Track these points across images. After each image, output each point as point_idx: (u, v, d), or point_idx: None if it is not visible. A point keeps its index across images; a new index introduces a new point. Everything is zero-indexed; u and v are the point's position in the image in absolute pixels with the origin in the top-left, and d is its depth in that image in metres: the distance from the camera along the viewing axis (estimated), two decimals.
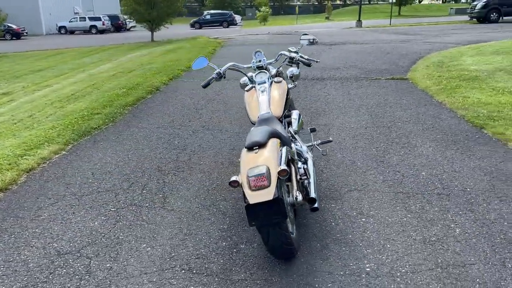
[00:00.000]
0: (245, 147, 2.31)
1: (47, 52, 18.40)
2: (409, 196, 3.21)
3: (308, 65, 3.28)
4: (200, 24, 39.32)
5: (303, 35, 3.45)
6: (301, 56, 3.29)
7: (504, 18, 21.80)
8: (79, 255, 2.60)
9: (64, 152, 4.51)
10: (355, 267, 2.37)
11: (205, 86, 3.35)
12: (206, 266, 2.43)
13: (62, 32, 37.51)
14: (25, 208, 3.27)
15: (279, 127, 2.67)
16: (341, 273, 2.33)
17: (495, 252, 2.46)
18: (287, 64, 3.41)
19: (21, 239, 2.81)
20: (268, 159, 2.22)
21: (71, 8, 41.61)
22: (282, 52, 3.40)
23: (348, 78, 8.12)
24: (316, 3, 66.59)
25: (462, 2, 61.59)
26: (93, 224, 2.98)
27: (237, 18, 42.00)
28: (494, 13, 21.57)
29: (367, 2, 64.37)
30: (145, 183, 3.62)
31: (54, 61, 14.56)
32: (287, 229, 2.22)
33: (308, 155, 3.05)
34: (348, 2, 67.74)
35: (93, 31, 35.75)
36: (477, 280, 2.22)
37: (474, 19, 23.28)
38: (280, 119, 2.95)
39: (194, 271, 2.38)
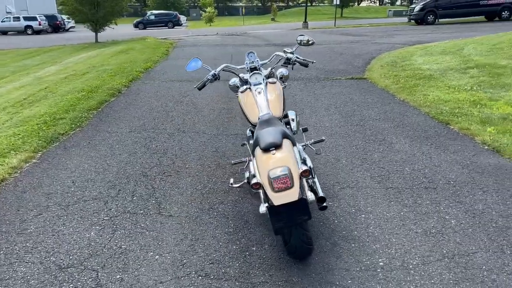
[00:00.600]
0: (261, 149, 2.29)
1: None
2: (399, 191, 3.33)
3: (306, 65, 3.31)
4: (144, 24, 38.46)
5: (299, 35, 3.48)
6: (297, 57, 3.31)
7: (440, 20, 23.15)
8: (83, 268, 2.47)
9: (34, 160, 4.25)
10: (369, 263, 2.43)
11: (200, 88, 3.31)
12: (223, 271, 2.39)
13: None
14: (7, 221, 3.05)
15: (284, 128, 2.68)
16: (357, 269, 2.38)
17: (491, 240, 2.62)
18: (282, 65, 3.43)
19: (13, 255, 2.63)
20: (288, 160, 2.23)
21: (3, 7, 39.08)
22: (277, 53, 3.42)
23: (310, 78, 8.27)
24: (260, 5, 67.22)
25: (397, 5, 64.78)
26: (89, 234, 2.84)
27: (182, 18, 41.49)
28: (431, 16, 22.88)
29: (310, 4, 65.89)
30: (133, 190, 3.50)
31: None
32: (308, 229, 2.24)
33: (305, 155, 3.09)
34: (290, 4, 68.96)
35: (29, 31, 33.78)
36: (483, 267, 2.36)
37: (413, 21, 24.54)
38: (280, 120, 2.96)
39: (212, 277, 2.34)
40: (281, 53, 3.34)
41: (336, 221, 2.90)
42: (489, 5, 22.50)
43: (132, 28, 36.37)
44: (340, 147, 4.36)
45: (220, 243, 2.67)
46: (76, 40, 23.36)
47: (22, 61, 14.17)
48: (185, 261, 2.50)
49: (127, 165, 4.04)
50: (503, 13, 22.59)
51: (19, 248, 2.70)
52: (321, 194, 2.60)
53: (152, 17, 39.17)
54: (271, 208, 2.14)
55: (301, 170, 2.17)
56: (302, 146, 3.34)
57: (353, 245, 2.62)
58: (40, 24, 34.15)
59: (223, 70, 3.34)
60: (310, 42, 3.34)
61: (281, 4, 64.27)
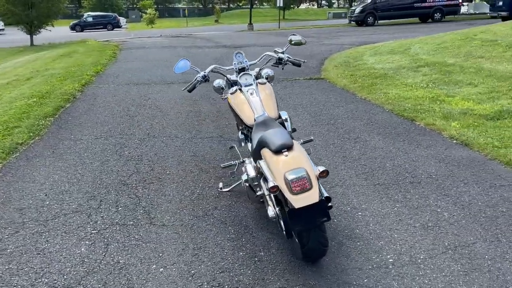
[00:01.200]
0: (272, 150, 2.23)
1: None
2: (387, 187, 3.40)
3: (299, 65, 3.29)
4: (82, 26, 36.95)
5: (291, 35, 3.44)
6: (288, 57, 3.28)
7: (379, 21, 24.18)
8: (82, 287, 2.28)
9: None
10: (379, 260, 2.45)
11: (190, 91, 3.19)
12: (236, 279, 2.31)
13: None
14: None
15: (285, 129, 2.65)
16: (369, 267, 2.39)
17: (485, 230, 2.73)
18: (273, 65, 3.38)
19: None
20: (302, 161, 2.19)
21: None
22: (267, 53, 3.37)
23: None
24: (201, 7, 66.75)
25: (335, 7, 66.94)
26: (79, 250, 2.64)
27: (122, 20, 40.25)
28: (371, 17, 23.84)
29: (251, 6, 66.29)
30: (116, 200, 3.31)
31: None
32: (325, 230, 2.21)
33: None
34: (232, 5, 69.08)
35: None
36: (486, 256, 2.45)
37: (353, 23, 25.44)
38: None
39: (226, 286, 2.25)
40: (272, 53, 3.30)
41: (335, 220, 2.90)
42: (423, 7, 23.82)
43: (68, 31, 34.74)
44: (318, 146, 4.38)
45: (225, 251, 2.57)
46: (8, 43, 21.94)
47: None
48: (193, 271, 2.38)
49: (102, 174, 3.81)
50: (435, 15, 23.99)
51: (2, 272, 2.44)
52: (326, 194, 2.59)
53: (90, 19, 37.65)
54: (290, 211, 2.09)
55: (320, 171, 2.13)
56: None
57: (358, 243, 2.62)
58: None
59: (212, 71, 3.23)
60: (303, 42, 3.33)
61: (222, 5, 64.16)
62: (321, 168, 2.15)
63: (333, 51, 12.36)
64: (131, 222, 2.95)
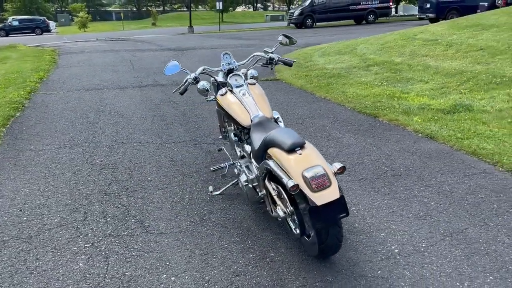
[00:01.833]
0: (285, 150, 2.23)
1: None
2: (372, 181, 3.52)
3: (290, 65, 3.30)
4: (7, 31, 34.63)
5: (282, 35, 3.45)
6: (279, 57, 3.29)
7: (317, 24, 24.93)
8: None
9: None
10: (385, 251, 2.53)
11: (182, 93, 3.11)
12: (254, 281, 2.29)
13: None
14: None
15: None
16: (378, 259, 2.46)
17: (472, 215, 2.92)
18: (262, 65, 3.38)
19: None
20: (317, 158, 2.21)
21: None
22: (257, 53, 3.35)
23: None
24: (135, 10, 65.02)
25: (270, 10, 68.04)
26: (77, 266, 2.48)
27: (51, 24, 38.25)
28: (309, 20, 24.52)
29: (186, 9, 65.66)
30: (102, 210, 3.15)
31: None
32: (341, 225, 2.25)
33: None
34: (167, 8, 67.98)
35: None
36: (480, 240, 2.61)
37: (292, 25, 26.01)
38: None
39: None
40: (262, 54, 3.30)
41: None
42: (357, 9, 24.89)
43: None
44: None
45: (234, 254, 2.54)
46: None
47: None
48: (207, 277, 2.33)
49: (78, 184, 3.61)
50: (369, 17, 25.15)
51: None
52: None
53: (16, 23, 35.37)
54: (312, 208, 2.10)
55: (338, 167, 2.16)
56: None
57: (361, 236, 2.69)
58: None
59: (201, 73, 3.17)
60: (293, 41, 3.35)
61: (157, 8, 62.90)
62: (339, 165, 2.18)
63: (280, 52, 12.52)
64: (125, 233, 2.82)
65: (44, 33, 34.87)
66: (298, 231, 2.41)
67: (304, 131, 4.90)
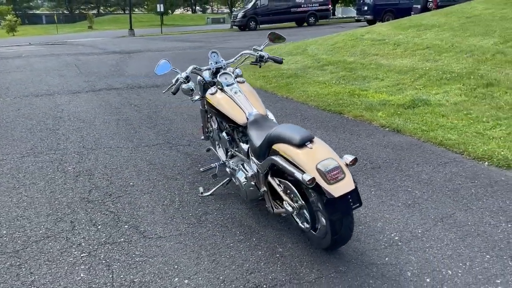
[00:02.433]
0: (295, 145, 2.26)
1: None
2: (354, 174, 3.64)
3: (280, 62, 3.32)
4: None
5: (270, 32, 3.45)
6: (269, 55, 3.30)
7: (261, 26, 25.22)
8: None
9: None
10: (387, 239, 2.63)
11: (175, 93, 3.04)
12: (270, 277, 2.29)
13: None
14: None
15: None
16: (383, 247, 2.56)
17: (455, 201, 3.10)
18: (252, 63, 3.37)
19: None
20: (329, 151, 2.26)
21: None
22: (245, 51, 3.35)
23: None
24: (67, 12, 62.17)
25: (209, 13, 67.83)
26: (79, 277, 2.36)
27: None
28: (253, 22, 24.75)
29: (122, 12, 63.86)
30: (90, 218, 3.01)
31: None
32: (353, 216, 2.32)
33: None
34: (102, 11, 65.66)
35: None
36: (469, 223, 2.79)
37: (236, 27, 26.14)
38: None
39: (265, 286, 2.22)
40: (251, 51, 3.30)
41: None
42: (299, 12, 25.50)
43: None
44: None
45: (242, 252, 2.52)
46: None
47: None
48: (221, 277, 2.30)
49: (55, 193, 3.42)
50: (310, 19, 25.84)
51: None
52: None
53: None
54: (329, 200, 2.15)
55: (350, 160, 2.22)
56: None
57: (360, 227, 2.78)
58: None
59: (192, 72, 3.12)
60: (282, 39, 3.37)
61: (91, 11, 60.49)
62: (351, 157, 2.24)
63: (231, 54, 12.50)
64: (122, 239, 2.72)
65: None
66: (306, 225, 2.44)
67: None
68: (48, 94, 7.43)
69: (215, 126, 3.67)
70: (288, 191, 2.49)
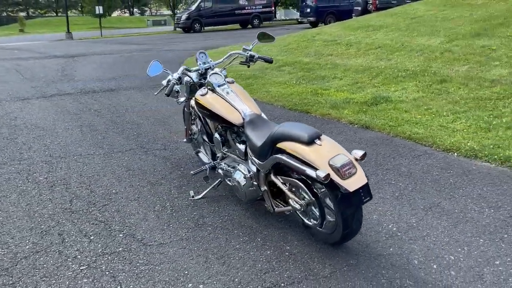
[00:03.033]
0: (305, 142, 2.28)
1: None
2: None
3: (270, 61, 3.32)
4: None
5: (260, 32, 3.43)
6: (258, 55, 3.29)
7: (205, 28, 25.08)
8: None
9: None
10: (386, 231, 2.73)
11: (168, 94, 2.95)
12: (286, 275, 2.30)
13: None
14: None
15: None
16: (384, 238, 2.65)
17: (438, 191, 3.27)
18: (241, 63, 3.34)
19: None
20: (338, 147, 2.31)
21: None
22: (233, 51, 3.31)
23: (140, 86, 7.99)
24: None
25: (148, 15, 66.40)
26: None
27: None
28: (197, 24, 24.56)
29: (55, 14, 60.87)
30: (79, 229, 2.86)
31: None
32: (362, 209, 2.38)
33: None
34: (32, 14, 62.14)
35: None
36: (456, 211, 2.95)
37: (180, 29, 25.81)
38: None
39: (282, 285, 2.22)
40: (240, 52, 3.27)
41: None
42: (243, 14, 25.65)
43: None
44: None
45: (251, 253, 2.51)
46: None
47: None
48: (236, 280, 2.27)
49: (32, 205, 3.22)
50: (254, 21, 26.07)
51: None
52: None
53: None
54: (344, 195, 2.19)
55: (360, 155, 2.28)
56: None
57: None
58: None
59: (182, 73, 3.05)
60: (272, 39, 3.37)
61: (20, 13, 56.96)
62: (360, 152, 2.30)
63: (182, 56, 12.42)
64: (120, 248, 2.60)
65: None
66: (314, 221, 2.47)
67: None
68: None
69: (198, 128, 3.62)
70: (293, 189, 2.51)
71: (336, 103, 5.90)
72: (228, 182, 3.07)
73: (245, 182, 2.77)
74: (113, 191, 3.42)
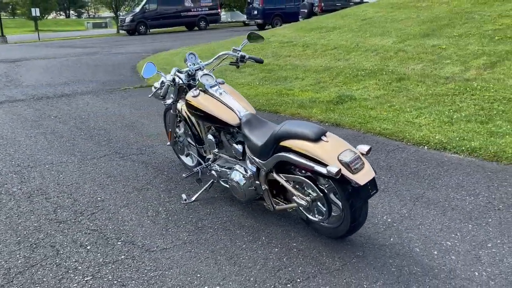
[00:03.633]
0: (312, 139, 2.34)
1: None
2: None
3: (261, 62, 3.32)
4: None
5: (250, 32, 3.41)
6: (249, 55, 3.29)
7: (151, 30, 24.59)
8: None
9: None
10: (382, 222, 2.84)
11: (164, 96, 2.88)
12: (299, 271, 2.33)
13: None
14: None
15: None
16: (382, 229, 2.76)
17: (419, 182, 3.45)
18: (231, 64, 3.32)
19: None
20: (344, 142, 2.39)
21: None
22: (225, 52, 3.29)
23: (96, 91, 7.72)
24: None
25: (86, 18, 63.97)
26: None
27: None
28: (142, 26, 24.02)
29: None
30: (73, 240, 2.74)
31: None
32: (368, 202, 2.47)
33: None
34: None
35: None
36: (440, 199, 3.13)
37: (124, 32, 25.13)
38: None
39: (298, 280, 2.26)
40: (230, 52, 3.26)
41: None
42: (189, 16, 25.41)
43: None
44: None
45: (259, 251, 2.53)
46: None
47: None
48: (252, 279, 2.28)
49: (13, 218, 3.04)
50: (200, 23, 25.91)
51: None
52: None
53: None
54: (353, 189, 2.26)
55: (366, 150, 2.37)
56: None
57: None
58: None
59: (175, 75, 3.00)
60: (261, 39, 3.38)
61: None
62: (366, 147, 2.38)
63: (134, 59, 12.13)
64: (123, 256, 2.53)
65: None
66: (319, 216, 2.53)
67: None
68: None
69: (183, 131, 3.58)
70: (297, 186, 2.55)
71: (303, 102, 6.02)
72: (223, 184, 3.06)
73: (244, 182, 2.77)
74: (98, 198, 3.30)
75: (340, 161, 2.25)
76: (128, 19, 24.03)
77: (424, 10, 9.29)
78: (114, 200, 3.26)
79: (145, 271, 2.36)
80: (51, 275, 2.36)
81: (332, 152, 2.28)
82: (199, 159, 3.41)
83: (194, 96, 2.98)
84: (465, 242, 2.55)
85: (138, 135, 4.90)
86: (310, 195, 2.48)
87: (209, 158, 3.22)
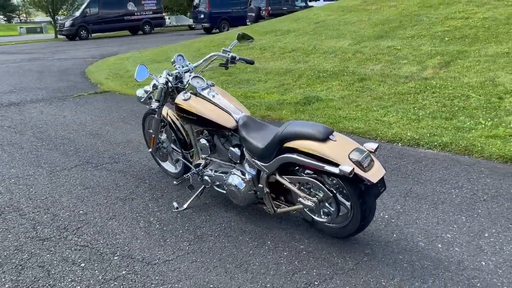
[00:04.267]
0: (320, 139, 2.31)
1: None
2: None
3: (252, 63, 3.23)
4: None
5: (239, 33, 3.31)
6: (239, 56, 3.20)
7: (93, 35, 23.66)
8: None
9: None
10: (381, 219, 2.87)
11: (159, 99, 2.73)
12: (315, 273, 2.29)
13: None
14: None
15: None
16: (383, 226, 2.79)
17: (404, 178, 3.54)
18: (220, 65, 3.22)
19: None
20: (352, 141, 2.38)
21: None
22: (215, 53, 3.18)
23: (47, 99, 7.28)
24: None
25: (17, 22, 60.42)
26: None
27: None
28: (83, 31, 23.05)
29: None
30: (62, 258, 2.53)
31: None
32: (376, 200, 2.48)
33: None
34: None
35: None
36: (428, 194, 3.21)
37: (63, 37, 24.00)
38: None
39: (316, 283, 2.23)
40: (220, 53, 3.16)
41: None
42: (132, 20, 24.73)
43: None
44: None
45: (268, 257, 2.46)
46: None
47: None
48: (268, 285, 2.22)
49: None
50: (145, 27, 25.30)
51: None
52: None
53: None
54: (366, 187, 2.27)
55: (374, 147, 2.38)
56: None
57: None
58: None
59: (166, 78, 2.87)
60: (251, 40, 3.30)
61: None
62: (374, 145, 2.39)
63: (80, 64, 11.61)
64: (124, 272, 2.37)
65: None
66: (325, 217, 2.51)
67: None
68: None
69: (166, 136, 3.44)
70: (302, 187, 2.52)
71: (271, 104, 6.01)
72: (218, 189, 2.96)
73: (244, 186, 2.69)
74: (80, 212, 3.08)
75: (351, 159, 2.23)
76: (68, 23, 22.94)
77: (374, 13, 9.64)
78: (99, 212, 3.05)
79: (152, 285, 2.23)
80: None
81: (342, 151, 2.26)
82: (188, 163, 3.28)
83: (185, 100, 2.86)
84: (463, 233, 2.63)
85: (107, 143, 4.66)
86: (317, 196, 2.45)
87: (198, 164, 3.11)
